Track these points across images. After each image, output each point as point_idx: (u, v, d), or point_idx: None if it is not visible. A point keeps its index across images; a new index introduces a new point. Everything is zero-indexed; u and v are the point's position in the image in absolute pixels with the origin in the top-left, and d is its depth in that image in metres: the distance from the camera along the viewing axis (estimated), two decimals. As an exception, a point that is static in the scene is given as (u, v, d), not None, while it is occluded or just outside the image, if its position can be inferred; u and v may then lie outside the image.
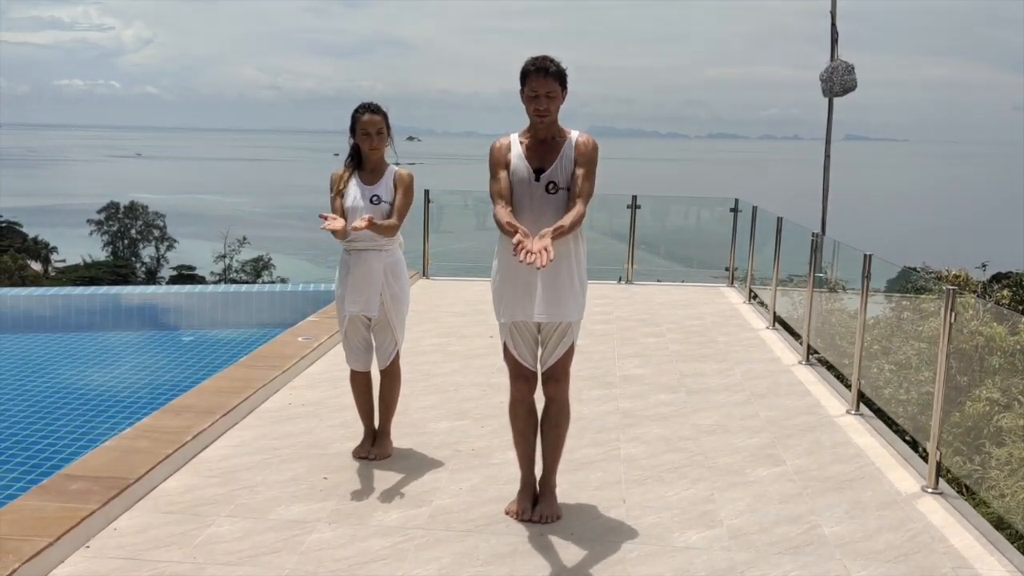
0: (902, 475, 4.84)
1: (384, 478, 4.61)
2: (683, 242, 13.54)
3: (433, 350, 7.30)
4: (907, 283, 8.33)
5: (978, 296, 11.14)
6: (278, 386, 6.11)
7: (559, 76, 3.94)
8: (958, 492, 4.87)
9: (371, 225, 4.43)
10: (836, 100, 11.70)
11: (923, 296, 7.95)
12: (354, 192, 4.68)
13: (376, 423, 4.99)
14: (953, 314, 4.60)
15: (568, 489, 4.46)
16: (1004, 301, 12.62)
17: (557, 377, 4.12)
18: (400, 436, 5.14)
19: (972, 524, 4.24)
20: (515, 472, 4.35)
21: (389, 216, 4.65)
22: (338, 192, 4.69)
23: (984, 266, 15.70)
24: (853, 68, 11.12)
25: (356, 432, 5.12)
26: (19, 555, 3.47)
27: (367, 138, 4.64)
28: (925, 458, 4.88)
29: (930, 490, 4.61)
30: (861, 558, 3.85)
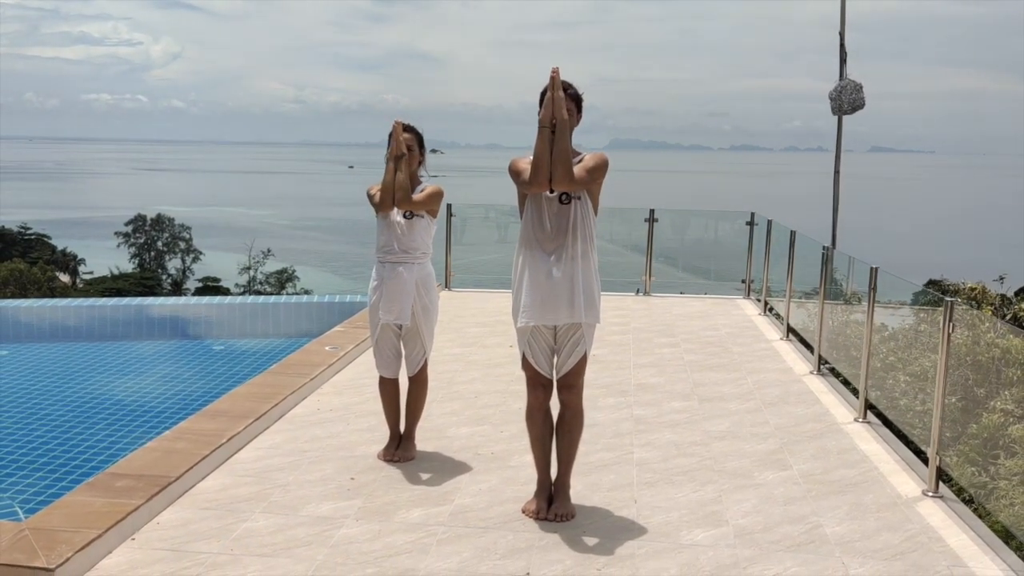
0: (904, 480, 5.04)
1: (408, 479, 4.87)
2: (701, 255, 13.74)
3: (455, 359, 7.57)
4: (926, 295, 8.50)
5: (995, 309, 11.23)
6: (307, 392, 6.39)
7: (575, 97, 4.24)
8: (967, 502, 5.04)
9: (398, 158, 4.83)
10: (860, 112, 11.96)
11: (939, 309, 8.09)
12: None
13: (402, 427, 5.25)
14: (952, 324, 4.80)
15: (582, 490, 4.69)
16: (1024, 314, 12.68)
17: (571, 384, 4.36)
18: (423, 440, 5.40)
19: (970, 526, 4.43)
20: (532, 474, 4.59)
21: (422, 233, 4.98)
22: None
23: (1002, 278, 15.71)
24: (861, 87, 11.41)
25: (381, 436, 5.39)
26: (71, 545, 3.75)
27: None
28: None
29: (930, 494, 4.81)
30: (859, 556, 4.06)
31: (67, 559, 3.65)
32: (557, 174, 4.09)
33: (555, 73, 4.08)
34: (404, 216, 4.97)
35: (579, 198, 4.22)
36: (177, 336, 9.87)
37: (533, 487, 4.55)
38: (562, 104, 4.09)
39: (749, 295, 11.17)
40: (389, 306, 4.98)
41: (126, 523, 4.05)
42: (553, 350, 4.36)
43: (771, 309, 10.17)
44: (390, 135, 4.93)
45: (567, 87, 4.19)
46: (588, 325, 4.30)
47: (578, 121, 4.28)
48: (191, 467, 4.68)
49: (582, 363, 4.34)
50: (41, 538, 3.80)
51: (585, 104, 4.32)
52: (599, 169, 4.21)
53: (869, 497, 4.75)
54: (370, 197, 5.06)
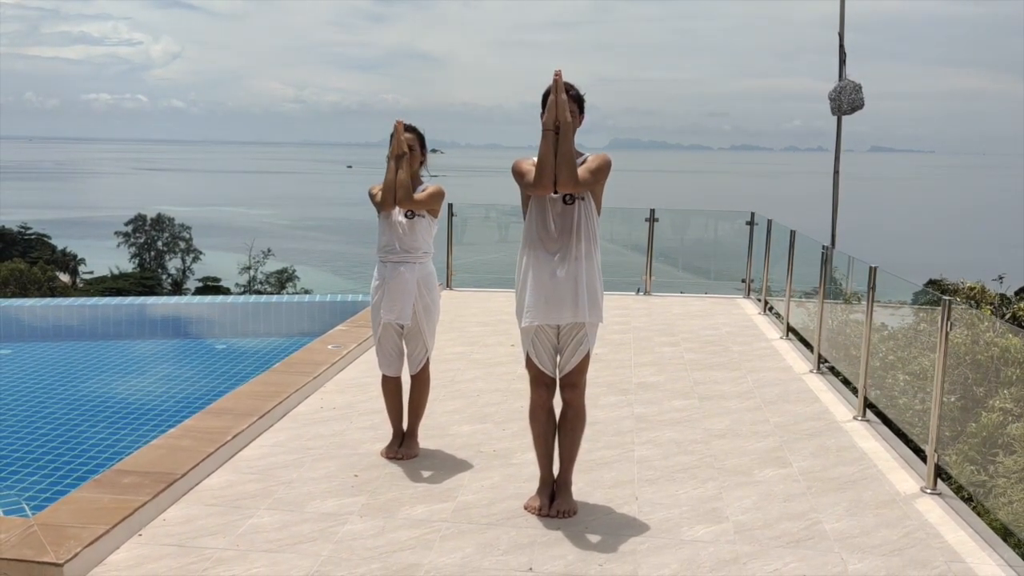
0: (903, 477, 5.09)
1: (411, 476, 4.92)
2: (701, 254, 13.80)
3: (457, 358, 7.61)
4: (925, 295, 8.55)
5: (994, 308, 11.27)
6: (310, 391, 6.44)
7: (577, 99, 4.27)
8: (966, 500, 5.08)
9: (399, 158, 4.89)
10: (859, 112, 12.04)
11: (938, 308, 8.12)
12: None
13: (404, 425, 5.30)
14: (950, 324, 4.84)
15: (584, 487, 4.74)
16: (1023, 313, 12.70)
17: (573, 383, 4.40)
18: (426, 438, 5.44)
19: (967, 522, 4.48)
20: (534, 471, 4.64)
21: (423, 233, 5.02)
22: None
23: (1001, 278, 15.71)
24: (860, 87, 11.51)
25: (384, 434, 5.44)
26: (80, 540, 3.80)
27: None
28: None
29: (928, 491, 4.85)
30: (858, 551, 4.10)
31: (75, 554, 3.69)
32: (562, 177, 4.13)
33: (557, 76, 4.12)
34: (406, 216, 5.01)
35: (582, 199, 4.26)
36: (178, 336, 9.92)
37: (535, 484, 4.59)
38: (565, 107, 4.13)
39: (749, 294, 11.22)
40: (391, 305, 5.03)
41: (133, 519, 4.09)
42: (556, 349, 4.41)
43: (771, 308, 10.22)
44: (392, 135, 4.98)
45: (569, 88, 4.23)
46: (591, 324, 4.34)
47: (581, 122, 4.32)
48: (196, 464, 4.73)
49: (585, 362, 4.38)
50: (50, 534, 3.84)
51: (586, 104, 4.37)
52: (602, 170, 4.25)
53: (868, 494, 4.79)
54: (371, 197, 5.11)
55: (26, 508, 4.93)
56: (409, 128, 5.02)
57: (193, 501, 4.48)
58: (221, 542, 4.03)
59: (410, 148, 4.98)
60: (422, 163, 5.11)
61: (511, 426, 5.79)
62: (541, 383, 4.45)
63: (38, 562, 3.62)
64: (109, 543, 3.91)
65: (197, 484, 4.67)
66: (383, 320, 5.08)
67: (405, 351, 5.22)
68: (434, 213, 5.10)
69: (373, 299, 5.13)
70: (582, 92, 4.32)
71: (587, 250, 4.27)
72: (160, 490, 4.36)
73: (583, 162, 4.26)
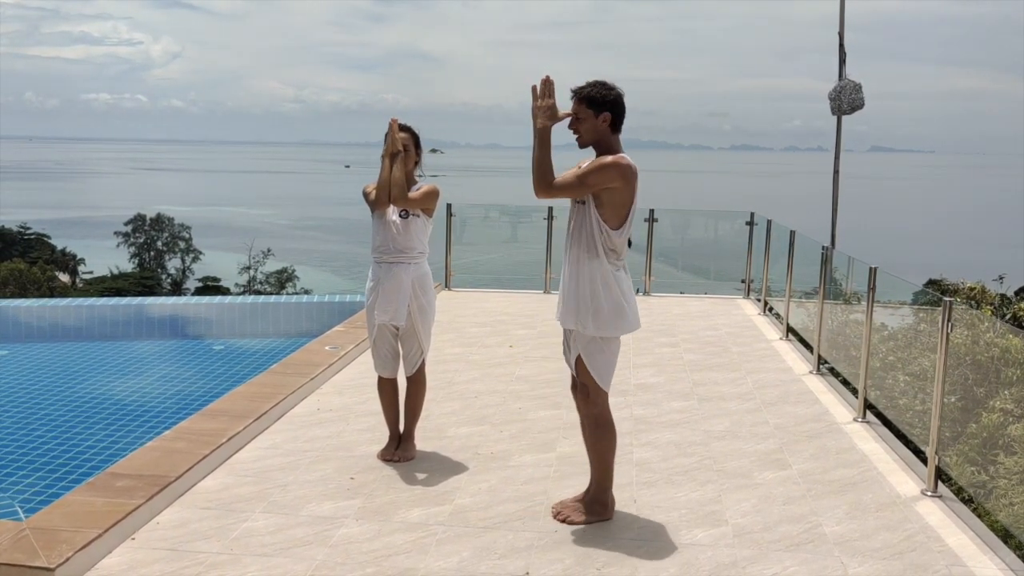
0: (903, 479, 5.05)
1: (408, 478, 4.88)
2: (701, 255, 13.78)
3: (455, 359, 7.57)
4: (925, 295, 8.51)
5: (995, 308, 11.23)
6: (307, 392, 6.40)
7: (586, 99, 4.10)
8: (966, 502, 5.04)
9: (393, 156, 4.86)
10: (859, 112, 12.03)
11: (938, 308, 8.08)
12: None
13: (401, 427, 5.26)
14: (951, 324, 4.80)
15: (582, 489, 4.69)
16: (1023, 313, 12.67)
17: (581, 384, 4.30)
18: (423, 440, 5.40)
19: (968, 525, 4.44)
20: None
21: (418, 233, 4.99)
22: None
23: (1001, 278, 15.68)
24: (860, 87, 11.52)
25: (381, 436, 5.40)
26: (72, 545, 3.75)
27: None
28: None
29: (929, 493, 4.82)
30: (859, 555, 4.06)
31: (67, 559, 3.65)
32: (534, 182, 4.09)
33: (541, 82, 4.07)
34: (400, 215, 4.97)
35: (582, 203, 4.17)
36: (177, 336, 9.88)
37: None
38: (540, 113, 4.04)
39: (749, 295, 11.19)
40: (385, 307, 4.99)
41: (126, 523, 4.05)
42: (571, 348, 4.37)
43: (771, 309, 10.18)
44: (387, 134, 4.95)
45: (581, 89, 4.12)
46: (579, 333, 4.24)
47: (603, 120, 4.11)
48: (191, 467, 4.68)
49: (580, 365, 4.27)
50: (42, 538, 3.80)
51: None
52: (592, 174, 4.07)
53: (868, 496, 4.76)
54: (365, 195, 5.07)
55: (19, 511, 4.89)
56: (404, 128, 4.98)
57: (187, 504, 4.44)
58: (215, 546, 3.99)
59: (404, 148, 4.94)
60: (416, 163, 5.07)
61: (509, 428, 5.75)
62: (574, 384, 4.44)
63: (30, 566, 3.58)
64: (102, 547, 3.86)
65: (191, 487, 4.63)
66: (378, 321, 5.04)
67: (401, 352, 5.18)
68: (429, 212, 5.06)
69: (368, 300, 5.09)
70: (598, 91, 4.09)
71: (577, 256, 4.17)
72: (154, 493, 4.32)
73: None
